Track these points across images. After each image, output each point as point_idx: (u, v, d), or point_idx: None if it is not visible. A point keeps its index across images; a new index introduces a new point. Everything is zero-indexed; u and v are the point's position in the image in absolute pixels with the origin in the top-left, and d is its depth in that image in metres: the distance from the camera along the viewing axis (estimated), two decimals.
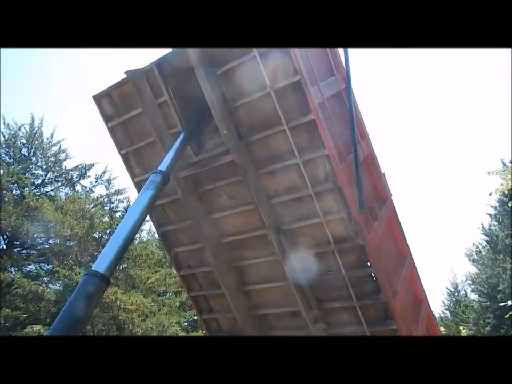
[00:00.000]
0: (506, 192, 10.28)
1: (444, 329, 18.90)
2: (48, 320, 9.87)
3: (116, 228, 3.55)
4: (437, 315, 22.08)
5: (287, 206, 4.29)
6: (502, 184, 12.70)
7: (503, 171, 10.41)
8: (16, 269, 11.76)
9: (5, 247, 11.78)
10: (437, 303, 25.23)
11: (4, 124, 13.24)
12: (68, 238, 11.60)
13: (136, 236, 14.87)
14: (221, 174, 4.48)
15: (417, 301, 5.20)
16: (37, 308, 9.92)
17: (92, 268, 2.93)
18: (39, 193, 13.57)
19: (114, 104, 4.74)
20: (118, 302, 10.25)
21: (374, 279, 4.35)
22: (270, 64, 3.76)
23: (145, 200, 3.49)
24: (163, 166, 3.80)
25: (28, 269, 12.02)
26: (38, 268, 11.64)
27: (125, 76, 4.42)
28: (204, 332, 5.72)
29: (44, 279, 11.54)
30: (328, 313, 4.56)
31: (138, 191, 5.00)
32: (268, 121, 3.99)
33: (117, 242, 3.14)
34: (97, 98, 4.77)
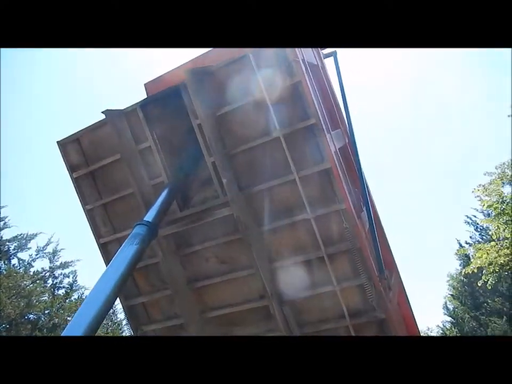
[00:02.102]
0: (475, 271, 10.16)
1: None
2: None
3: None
4: None
5: (292, 271, 3.61)
6: (462, 265, 12.72)
7: (471, 250, 10.41)
8: None
9: None
10: None
11: None
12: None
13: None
14: (209, 233, 3.79)
15: None
16: None
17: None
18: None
19: (83, 151, 4.07)
20: None
21: None
22: (280, 106, 3.34)
23: (127, 257, 2.68)
24: (149, 217, 3.08)
25: None
26: None
27: (102, 116, 3.82)
28: None
29: None
30: None
31: (104, 255, 4.16)
32: (275, 169, 3.46)
33: (87, 315, 2.28)
34: (63, 144, 4.07)
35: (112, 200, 4.05)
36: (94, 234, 4.20)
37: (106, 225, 4.18)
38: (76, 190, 4.18)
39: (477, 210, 14.39)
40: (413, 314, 4.58)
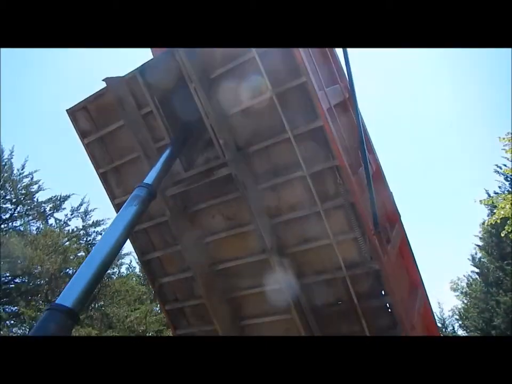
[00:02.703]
0: (498, 221, 10.02)
1: None
2: None
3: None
4: None
5: (291, 225, 3.79)
6: (488, 215, 12.50)
7: (491, 200, 10.21)
8: None
9: None
10: None
11: None
12: (38, 275, 10.65)
13: (116, 270, 14.02)
14: (215, 192, 3.97)
15: (429, 330, 4.67)
16: None
17: (56, 301, 2.33)
18: (6, 228, 12.62)
19: (91, 118, 4.25)
20: None
21: (389, 310, 3.82)
22: (271, 65, 3.36)
23: (127, 217, 2.92)
24: (149, 179, 3.29)
25: None
26: (0, 310, 10.57)
27: (103, 84, 3.96)
28: None
29: (6, 322, 10.45)
30: None
31: None
32: (270, 129, 3.55)
33: (90, 269, 2.56)
34: (72, 113, 4.27)
35: (122, 163, 4.27)
36: (108, 196, 4.48)
37: (119, 187, 4.44)
38: (88, 155, 4.42)
39: (508, 159, 13.91)
40: (416, 265, 4.70)
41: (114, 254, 2.76)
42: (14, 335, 9.50)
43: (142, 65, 3.89)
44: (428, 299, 4.77)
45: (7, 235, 11.36)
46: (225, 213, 4.02)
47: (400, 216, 4.70)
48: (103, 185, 4.48)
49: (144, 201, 3.04)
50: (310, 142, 3.48)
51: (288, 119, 3.43)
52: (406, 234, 4.62)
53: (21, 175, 13.33)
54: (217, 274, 4.22)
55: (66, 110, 4.31)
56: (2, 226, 12.42)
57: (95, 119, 4.26)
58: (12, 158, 13.23)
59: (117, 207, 4.43)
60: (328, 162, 3.45)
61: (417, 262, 4.68)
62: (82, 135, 4.35)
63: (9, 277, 11.45)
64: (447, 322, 24.52)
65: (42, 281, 10.78)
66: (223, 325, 4.21)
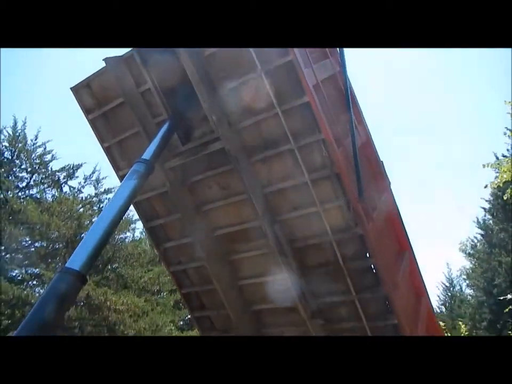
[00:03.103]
0: (500, 185, 10.18)
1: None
2: None
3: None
4: None
5: (281, 195, 4.07)
6: (495, 178, 12.62)
7: (497, 164, 10.29)
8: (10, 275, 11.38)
9: None
10: (432, 298, 25.30)
11: None
12: (55, 240, 11.26)
13: (129, 234, 14.62)
14: (211, 164, 4.24)
15: (417, 296, 5.00)
16: (22, 313, 9.61)
17: (66, 265, 2.68)
18: (24, 196, 13.19)
19: (94, 95, 4.47)
20: (108, 303, 9.95)
21: (374, 271, 4.14)
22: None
23: (127, 190, 3.25)
24: (147, 155, 3.57)
25: (13, 274, 11.61)
26: (23, 272, 11.26)
27: (103, 64, 4.16)
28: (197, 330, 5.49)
29: (29, 283, 11.16)
30: (326, 308, 4.34)
31: None
32: (259, 105, 3.75)
33: (95, 236, 2.92)
34: (76, 90, 4.50)
35: (125, 137, 4.53)
36: (113, 168, 4.79)
37: (124, 159, 4.71)
38: (93, 130, 4.69)
39: None
40: (405, 230, 4.97)
41: (116, 223, 3.11)
42: (35, 294, 10.14)
43: None
44: (416, 261, 5.07)
45: (24, 202, 11.91)
46: (221, 183, 4.30)
47: (389, 183, 4.94)
48: (107, 158, 4.78)
49: (142, 175, 3.34)
50: (297, 117, 3.69)
51: (276, 95, 3.62)
52: (395, 201, 4.87)
53: (34, 145, 13.78)
54: (215, 239, 4.56)
55: (71, 88, 4.55)
56: (19, 194, 12.97)
57: (97, 96, 4.48)
58: (25, 128, 13.62)
59: (121, 178, 4.72)
60: (315, 136, 3.67)
61: (405, 227, 4.95)
62: (87, 111, 4.59)
63: (30, 242, 12.11)
64: (454, 281, 25.12)
65: (59, 245, 11.39)
66: (222, 284, 4.61)
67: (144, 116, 4.22)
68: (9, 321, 9.53)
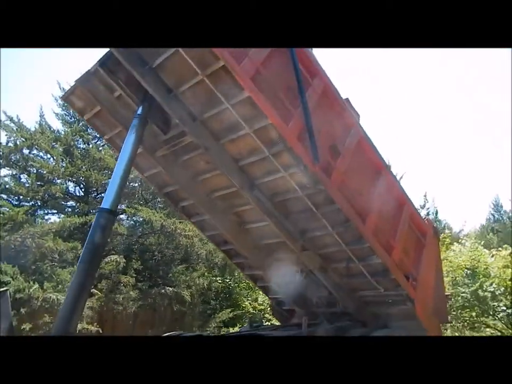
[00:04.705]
0: None
1: None
2: (123, 250, 11.76)
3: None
4: None
5: (254, 165, 4.73)
6: None
7: None
8: (92, 211, 13.31)
9: (82, 194, 13.28)
10: None
11: (60, 88, 12.93)
12: (130, 180, 12.46)
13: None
14: (194, 146, 4.91)
15: (398, 205, 5.66)
16: (115, 242, 11.71)
17: (101, 206, 3.93)
18: (102, 144, 14.00)
19: (82, 99, 5.08)
20: (178, 230, 11.59)
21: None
22: (194, 55, 3.84)
23: (131, 139, 4.22)
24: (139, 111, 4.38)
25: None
26: None
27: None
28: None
29: (118, 216, 12.88)
30: (312, 241, 5.29)
31: None
32: (213, 101, 4.21)
33: (116, 180, 4.04)
34: (66, 98, 5.16)
35: (122, 129, 5.22)
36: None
37: None
38: (92, 127, 5.44)
39: None
40: (378, 154, 5.43)
41: (129, 166, 4.17)
42: (123, 227, 11.71)
43: (102, 56, 4.45)
44: (393, 175, 5.62)
45: (102, 151, 13.10)
46: (205, 159, 5.02)
47: (358, 117, 5.27)
48: (113, 147, 5.60)
49: (138, 129, 4.25)
50: (246, 107, 4.12)
51: (221, 93, 4.04)
52: (364, 132, 5.25)
53: None
54: (215, 200, 5.49)
55: (61, 97, 5.23)
56: (98, 143, 14.02)
57: (85, 100, 5.12)
58: None
59: None
60: (264, 120, 4.14)
61: (378, 150, 5.41)
62: (81, 113, 5.31)
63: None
64: None
65: (135, 185, 12.88)
66: (230, 230, 5.68)
67: (124, 117, 4.83)
68: (106, 248, 11.65)
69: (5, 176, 12.04)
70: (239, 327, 10.69)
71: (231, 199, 5.40)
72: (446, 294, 6.78)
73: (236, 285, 12.55)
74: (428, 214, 20.87)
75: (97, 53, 4.41)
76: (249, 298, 12.39)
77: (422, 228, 6.01)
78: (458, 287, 9.19)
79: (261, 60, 4.14)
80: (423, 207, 20.62)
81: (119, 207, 13.85)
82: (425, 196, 21.39)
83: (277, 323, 7.56)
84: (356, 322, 5.82)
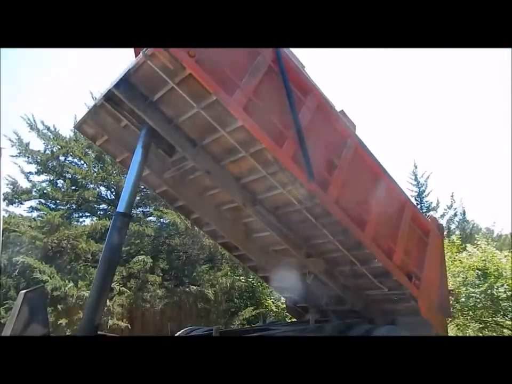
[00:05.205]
0: None
1: None
2: (150, 251, 12.35)
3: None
4: None
5: (254, 182, 5.03)
6: None
7: None
8: None
9: (113, 197, 13.89)
10: None
11: (92, 97, 13.16)
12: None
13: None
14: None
15: (399, 208, 5.84)
16: (141, 242, 12.31)
17: (117, 210, 4.36)
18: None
19: (93, 127, 5.46)
20: (202, 232, 11.66)
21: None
22: (189, 90, 4.12)
23: (140, 151, 4.59)
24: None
25: (132, 214, 13.90)
26: (139, 212, 13.43)
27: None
28: None
29: (145, 219, 13.14)
30: (315, 247, 5.58)
31: None
32: (211, 129, 4.49)
33: (129, 185, 4.44)
34: (78, 127, 5.55)
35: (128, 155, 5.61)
36: None
37: None
38: (105, 151, 5.83)
39: None
40: (375, 159, 5.59)
41: (141, 173, 4.53)
42: (149, 228, 12.38)
43: (106, 91, 4.75)
44: (392, 179, 5.79)
45: None
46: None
47: (354, 127, 5.46)
48: (122, 167, 5.99)
49: (145, 144, 4.59)
50: (241, 133, 4.39)
51: (217, 122, 4.33)
52: (360, 141, 5.43)
53: None
54: (223, 212, 5.84)
55: (73, 127, 5.62)
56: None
57: (96, 128, 5.49)
58: None
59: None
60: (258, 145, 4.41)
61: (376, 157, 5.58)
62: (93, 140, 5.71)
63: (142, 187, 13.98)
64: None
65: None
66: (240, 239, 6.04)
67: (130, 143, 5.18)
68: (129, 248, 12.27)
69: (42, 181, 12.69)
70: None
71: (237, 211, 5.73)
72: (450, 289, 6.94)
73: (259, 284, 12.95)
74: (455, 214, 20.41)
75: (126, 55, 4.67)
76: (272, 297, 12.78)
77: (425, 227, 6.18)
78: (469, 288, 9.38)
79: (252, 88, 4.36)
80: (450, 207, 20.27)
81: (144, 210, 14.55)
82: (452, 196, 20.96)
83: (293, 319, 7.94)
84: (364, 319, 6.11)
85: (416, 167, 20.06)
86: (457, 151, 44.84)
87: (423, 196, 19.67)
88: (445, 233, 18.46)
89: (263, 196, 5.15)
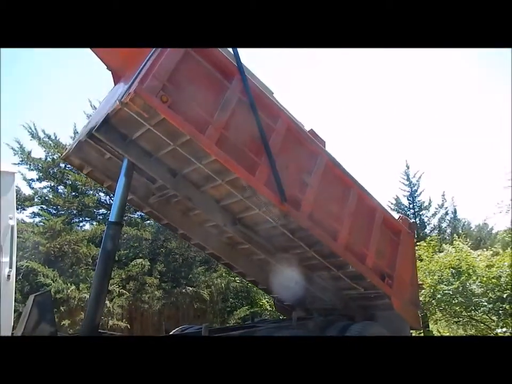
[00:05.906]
0: None
1: None
2: (148, 254, 12.79)
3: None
4: None
5: (233, 204, 5.44)
6: None
7: None
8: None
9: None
10: None
11: (91, 106, 13.17)
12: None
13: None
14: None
15: (370, 215, 6.25)
16: (140, 246, 12.72)
17: (109, 220, 4.76)
18: None
19: (79, 158, 5.80)
20: None
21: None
22: (164, 130, 4.48)
23: (122, 182, 4.88)
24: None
25: (130, 218, 13.58)
26: (137, 216, 13.34)
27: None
28: None
29: (143, 223, 13.30)
30: (295, 256, 6.04)
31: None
32: (188, 161, 4.86)
33: (119, 195, 4.77)
34: (65, 159, 5.90)
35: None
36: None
37: None
38: (92, 179, 6.20)
39: None
40: (345, 171, 5.96)
41: (128, 186, 4.86)
42: (147, 232, 12.74)
43: (90, 129, 5.08)
44: (362, 188, 6.18)
45: None
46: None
47: (324, 144, 5.84)
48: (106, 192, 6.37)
49: (128, 174, 4.89)
50: (215, 164, 4.75)
51: (193, 157, 4.71)
52: (330, 156, 5.81)
53: None
54: (208, 228, 6.27)
55: (61, 158, 5.97)
56: None
57: (82, 159, 5.83)
58: None
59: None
60: (232, 175, 4.79)
61: (346, 169, 5.98)
62: (79, 169, 6.06)
63: None
64: None
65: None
66: (224, 251, 6.51)
67: (112, 173, 5.56)
68: (128, 251, 12.68)
69: (44, 188, 12.99)
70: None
71: (221, 227, 6.14)
72: (419, 283, 7.45)
73: (253, 284, 13.51)
74: (446, 213, 20.56)
75: None
76: (266, 297, 13.29)
77: (396, 228, 6.62)
78: (443, 285, 10.03)
79: (223, 123, 4.69)
80: (441, 206, 20.43)
81: (142, 215, 14.89)
82: (443, 195, 20.94)
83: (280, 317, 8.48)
84: (345, 316, 6.61)
85: (408, 167, 20.14)
86: (448, 151, 45.55)
87: (415, 195, 19.85)
88: (436, 231, 19.04)
89: (242, 215, 5.57)
